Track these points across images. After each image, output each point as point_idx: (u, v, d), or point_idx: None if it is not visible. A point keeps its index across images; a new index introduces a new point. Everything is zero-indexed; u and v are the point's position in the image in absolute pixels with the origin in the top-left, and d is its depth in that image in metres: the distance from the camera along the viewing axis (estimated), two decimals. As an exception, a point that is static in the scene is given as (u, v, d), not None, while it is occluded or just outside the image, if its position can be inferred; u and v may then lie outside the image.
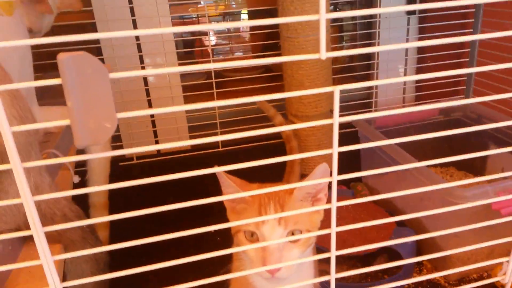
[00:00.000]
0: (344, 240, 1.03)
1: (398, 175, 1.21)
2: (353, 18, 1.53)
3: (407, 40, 1.51)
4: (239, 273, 0.50)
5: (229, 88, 1.41)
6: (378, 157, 1.24)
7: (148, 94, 1.41)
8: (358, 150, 1.37)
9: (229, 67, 0.33)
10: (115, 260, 0.71)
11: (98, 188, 0.40)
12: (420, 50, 1.51)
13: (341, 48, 1.84)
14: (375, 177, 1.34)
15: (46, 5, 0.86)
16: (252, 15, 1.90)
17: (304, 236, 0.59)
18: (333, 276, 0.49)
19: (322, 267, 0.96)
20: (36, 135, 0.62)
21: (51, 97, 1.03)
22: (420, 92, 1.55)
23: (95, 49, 1.39)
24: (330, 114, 1.31)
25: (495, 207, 0.93)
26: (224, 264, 0.69)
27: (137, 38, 1.34)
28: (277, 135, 1.24)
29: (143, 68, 1.39)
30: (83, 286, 0.63)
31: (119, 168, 1.32)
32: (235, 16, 2.02)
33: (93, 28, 1.36)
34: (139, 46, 1.36)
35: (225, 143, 1.42)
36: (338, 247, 0.99)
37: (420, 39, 1.52)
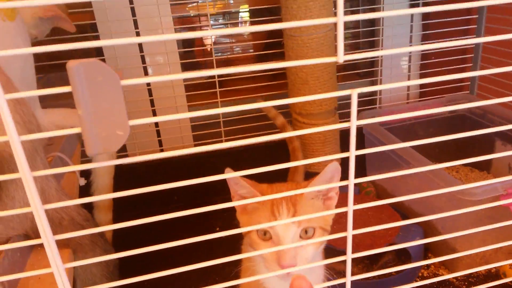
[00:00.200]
0: (356, 242, 1.03)
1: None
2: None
3: (411, 37, 1.50)
4: (255, 277, 0.49)
5: (232, 87, 1.40)
6: (383, 154, 1.24)
7: (150, 94, 1.40)
8: (362, 146, 1.36)
9: (235, 72, 0.32)
10: (123, 260, 0.71)
11: (105, 196, 0.39)
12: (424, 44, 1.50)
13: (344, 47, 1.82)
14: (380, 173, 1.33)
15: (70, 23, 0.88)
16: (253, 13, 1.88)
17: (320, 239, 0.59)
18: (348, 278, 0.48)
19: (330, 264, 0.96)
20: (41, 140, 0.62)
21: (54, 99, 1.02)
22: (425, 89, 1.55)
23: (95, 49, 1.38)
24: (334, 112, 1.30)
25: (504, 204, 0.92)
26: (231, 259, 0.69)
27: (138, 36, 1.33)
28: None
29: (144, 68, 1.38)
30: (94, 282, 0.63)
31: (123, 167, 1.32)
32: (235, 14, 2.01)
33: (93, 29, 1.35)
34: (140, 45, 1.35)
35: (228, 141, 1.41)
36: (342, 244, 0.98)
37: (423, 36, 1.51)
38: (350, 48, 1.75)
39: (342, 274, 0.61)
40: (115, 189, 0.97)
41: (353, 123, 0.42)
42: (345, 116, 1.38)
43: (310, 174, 0.63)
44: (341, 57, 0.38)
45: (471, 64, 1.46)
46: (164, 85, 1.40)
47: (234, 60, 1.81)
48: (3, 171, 0.49)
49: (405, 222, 0.53)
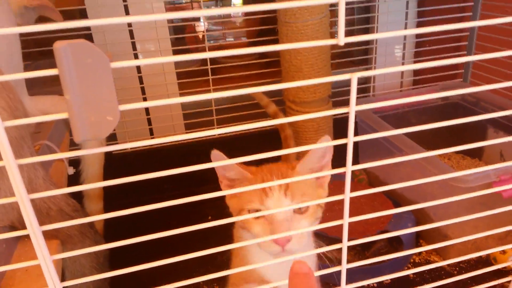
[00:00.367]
0: (348, 229, 1.03)
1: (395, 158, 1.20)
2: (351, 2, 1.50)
3: (406, 24, 1.48)
4: (248, 267, 0.47)
5: (224, 75, 1.38)
6: (376, 141, 1.23)
7: (141, 81, 1.37)
8: (356, 134, 1.35)
9: (231, 54, 0.31)
10: (114, 250, 0.70)
11: (95, 185, 0.38)
12: (419, 33, 1.49)
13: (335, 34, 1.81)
14: (373, 160, 1.33)
15: (57, 13, 0.85)
16: (246, 1, 1.85)
17: (310, 203, 0.57)
18: (344, 266, 0.48)
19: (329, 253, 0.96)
20: (28, 127, 0.60)
21: (41, 86, 1.00)
22: (418, 76, 1.54)
23: (84, 36, 1.35)
24: (328, 100, 1.29)
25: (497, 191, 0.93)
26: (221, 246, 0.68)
27: (129, 24, 1.30)
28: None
29: (135, 55, 1.35)
30: (84, 274, 0.62)
31: (114, 156, 1.30)
32: (228, 1, 1.97)
33: (82, 15, 1.31)
34: (131, 32, 1.32)
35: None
36: (338, 231, 0.98)
37: (419, 23, 1.49)
38: (345, 35, 1.73)
39: (332, 261, 0.61)
40: (105, 178, 0.96)
41: (352, 108, 0.41)
42: (337, 105, 1.37)
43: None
44: (342, 39, 0.37)
45: (465, 52, 1.45)
46: (155, 73, 1.37)
47: (227, 48, 1.78)
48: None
49: (398, 210, 0.52)
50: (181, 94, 1.44)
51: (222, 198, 0.68)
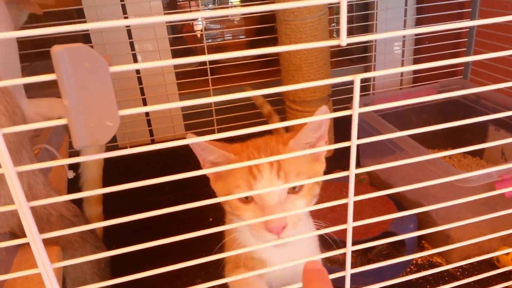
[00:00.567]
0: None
1: (397, 159, 1.19)
2: (349, -2, 1.49)
3: (405, 21, 1.48)
4: (242, 250, 0.44)
5: (224, 74, 1.37)
6: (376, 140, 1.22)
7: (140, 82, 1.36)
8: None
9: (228, 57, 0.30)
10: (115, 255, 0.69)
11: (95, 192, 0.37)
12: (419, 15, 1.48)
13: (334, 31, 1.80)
14: (374, 161, 1.33)
15: (35, 5, 0.82)
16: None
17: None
18: (348, 271, 0.47)
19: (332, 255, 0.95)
20: (27, 132, 0.59)
21: (39, 88, 0.99)
22: (418, 74, 1.53)
23: (82, 36, 1.34)
24: (328, 99, 1.28)
25: (499, 190, 0.92)
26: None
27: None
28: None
29: (133, 55, 1.34)
30: (85, 280, 0.62)
31: (113, 158, 1.29)
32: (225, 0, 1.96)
33: (79, 15, 1.30)
34: (129, 31, 1.31)
35: (220, 129, 1.39)
36: (340, 232, 0.96)
37: (418, 20, 1.48)
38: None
39: (336, 242, 0.59)
40: (105, 181, 0.95)
41: (356, 111, 0.40)
42: (337, 103, 1.36)
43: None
44: (344, 40, 0.36)
45: (465, 49, 1.44)
46: (154, 73, 1.36)
47: (225, 47, 1.77)
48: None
49: (402, 214, 0.51)
50: (181, 95, 1.43)
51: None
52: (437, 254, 1.10)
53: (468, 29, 1.42)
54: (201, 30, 1.75)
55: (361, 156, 1.36)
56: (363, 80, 1.54)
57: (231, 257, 0.64)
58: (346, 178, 1.30)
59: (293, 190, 0.54)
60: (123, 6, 1.28)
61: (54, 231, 0.36)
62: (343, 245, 0.67)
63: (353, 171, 0.41)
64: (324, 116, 0.41)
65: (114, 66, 0.32)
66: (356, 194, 1.07)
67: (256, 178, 0.52)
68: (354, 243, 1.22)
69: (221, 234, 0.66)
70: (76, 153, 1.00)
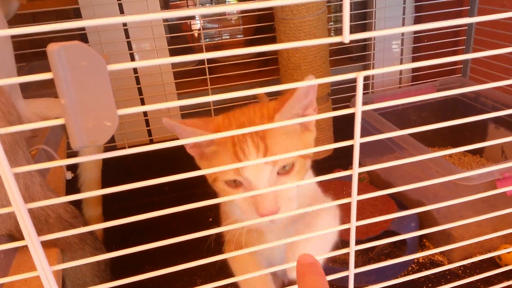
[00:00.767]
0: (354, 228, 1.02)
1: (397, 157, 1.19)
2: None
3: (403, 19, 1.47)
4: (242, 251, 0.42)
5: (222, 73, 1.37)
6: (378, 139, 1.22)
7: (138, 82, 1.35)
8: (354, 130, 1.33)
9: (228, 55, 0.29)
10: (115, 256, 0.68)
11: (94, 193, 0.36)
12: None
13: (335, 31, 1.79)
14: (374, 159, 1.32)
15: None
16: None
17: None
18: (352, 271, 0.46)
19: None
20: (23, 132, 0.58)
21: (36, 88, 0.98)
22: (417, 72, 1.53)
23: (79, 35, 1.33)
24: (327, 98, 1.27)
25: (500, 188, 0.92)
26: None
27: (124, 23, 1.28)
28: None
29: (131, 54, 1.33)
30: (85, 282, 0.61)
31: (112, 159, 1.28)
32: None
33: (76, 14, 1.29)
34: (126, 31, 1.30)
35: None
36: (341, 233, 0.95)
37: (416, 18, 1.48)
38: (341, 32, 1.71)
39: (333, 260, 0.57)
40: (104, 181, 0.94)
41: (359, 109, 0.39)
42: (336, 102, 1.36)
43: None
44: (347, 37, 0.35)
45: (463, 47, 1.44)
46: (152, 73, 1.36)
47: (223, 46, 1.76)
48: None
49: (403, 213, 0.50)
50: (179, 94, 1.42)
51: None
52: (438, 252, 1.09)
53: (466, 28, 1.42)
54: (199, 29, 1.74)
55: (361, 155, 1.35)
56: (362, 67, 1.53)
57: (231, 237, 0.62)
58: (346, 177, 1.29)
59: (283, 170, 0.50)
60: (120, 6, 1.27)
61: (52, 233, 0.35)
62: (344, 244, 0.65)
63: (356, 170, 0.41)
64: (310, 82, 0.37)
65: (112, 65, 0.32)
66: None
67: (241, 161, 0.48)
68: (356, 242, 1.22)
69: (221, 235, 0.65)
70: (74, 154, 0.99)
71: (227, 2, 2.01)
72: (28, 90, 0.91)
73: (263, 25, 1.37)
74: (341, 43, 1.67)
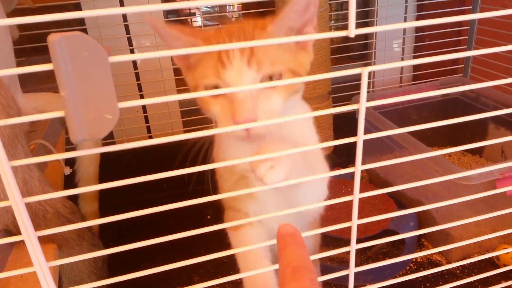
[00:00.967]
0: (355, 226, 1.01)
1: (397, 156, 1.19)
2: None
3: (405, 18, 1.47)
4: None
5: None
6: (376, 137, 1.22)
7: (138, 78, 1.35)
8: (355, 129, 1.33)
9: (234, 47, 0.28)
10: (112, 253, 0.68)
11: (92, 187, 0.36)
12: (418, 28, 1.47)
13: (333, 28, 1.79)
14: (374, 158, 1.32)
15: None
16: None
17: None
18: (352, 270, 0.46)
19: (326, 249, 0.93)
20: (22, 126, 0.57)
21: (36, 83, 0.97)
22: (418, 71, 1.52)
23: (79, 30, 1.32)
24: (328, 96, 1.27)
25: (500, 188, 0.92)
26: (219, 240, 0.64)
27: (124, 19, 1.27)
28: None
29: (131, 50, 1.32)
30: (81, 279, 0.60)
31: (110, 154, 1.27)
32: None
33: (76, 10, 1.29)
34: (127, 27, 1.29)
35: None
36: (339, 232, 0.95)
37: (418, 16, 1.48)
38: (342, 30, 1.71)
39: (331, 258, 0.56)
40: (102, 177, 0.93)
41: (363, 105, 0.39)
42: (337, 101, 1.35)
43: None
44: (352, 31, 0.35)
45: (465, 47, 1.44)
46: (152, 69, 1.35)
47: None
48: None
49: (402, 212, 0.50)
50: (179, 91, 1.42)
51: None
52: (436, 252, 1.09)
53: (468, 27, 1.41)
54: (200, 27, 1.73)
55: (360, 154, 1.35)
56: (363, 66, 1.53)
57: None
58: (345, 175, 1.28)
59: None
60: (121, 1, 1.27)
61: (50, 228, 0.34)
62: (343, 242, 0.65)
63: (359, 168, 0.40)
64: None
65: (114, 56, 0.31)
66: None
67: (225, 66, 0.45)
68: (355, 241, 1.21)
69: (218, 232, 0.65)
70: (73, 150, 0.99)
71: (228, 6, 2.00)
72: (28, 85, 0.91)
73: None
74: (342, 41, 1.67)
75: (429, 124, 0.44)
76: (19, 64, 0.90)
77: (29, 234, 0.33)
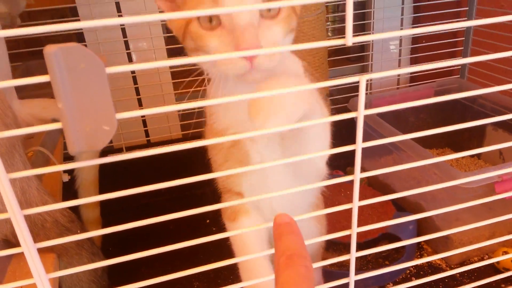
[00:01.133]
0: (345, 228, 1.01)
1: (395, 158, 1.19)
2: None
3: (402, 20, 1.47)
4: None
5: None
6: (374, 139, 1.21)
7: (135, 82, 1.34)
8: (353, 130, 1.33)
9: (242, 55, 0.28)
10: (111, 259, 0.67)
11: (91, 199, 0.36)
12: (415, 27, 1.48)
13: (333, 31, 1.79)
14: (372, 161, 1.32)
15: None
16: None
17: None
18: (352, 278, 0.46)
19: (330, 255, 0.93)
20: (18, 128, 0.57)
21: (32, 88, 0.97)
22: (415, 73, 1.52)
23: (75, 34, 1.32)
24: (325, 98, 1.27)
25: (498, 191, 0.92)
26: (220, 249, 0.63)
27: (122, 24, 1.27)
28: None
29: (128, 54, 1.32)
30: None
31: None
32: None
33: (73, 13, 1.28)
34: (123, 30, 1.29)
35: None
36: (340, 236, 0.93)
37: (414, 18, 1.48)
38: (339, 32, 1.71)
39: (335, 265, 0.55)
40: (101, 181, 0.93)
41: (361, 113, 0.39)
42: (334, 103, 1.35)
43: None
44: (350, 39, 0.35)
45: (462, 48, 1.44)
46: (149, 73, 1.34)
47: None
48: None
49: (403, 220, 0.50)
50: (176, 94, 1.41)
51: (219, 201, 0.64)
52: (437, 258, 1.09)
53: (465, 28, 1.41)
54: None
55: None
56: (360, 68, 1.53)
57: (222, 180, 0.59)
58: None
59: (268, 14, 0.45)
60: (118, 4, 1.26)
61: (49, 237, 0.34)
62: (342, 246, 0.64)
63: (357, 176, 0.40)
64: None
65: (110, 67, 0.31)
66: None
67: None
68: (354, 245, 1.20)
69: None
70: (71, 156, 0.98)
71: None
72: (24, 91, 0.90)
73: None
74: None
75: (431, 131, 0.44)
76: (14, 68, 0.90)
77: (28, 247, 0.33)
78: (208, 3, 0.44)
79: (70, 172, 0.82)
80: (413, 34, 1.49)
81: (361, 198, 1.26)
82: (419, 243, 1.12)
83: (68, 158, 0.90)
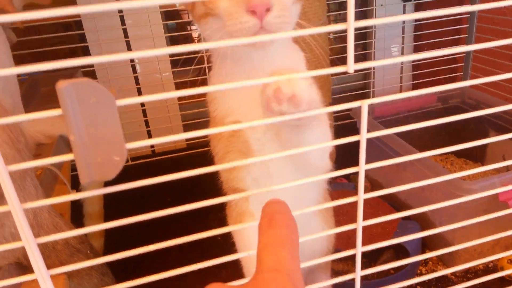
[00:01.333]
0: (349, 236, 1.01)
1: (399, 166, 1.19)
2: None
3: (403, 27, 1.48)
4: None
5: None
6: (377, 148, 1.22)
7: (137, 82, 1.36)
8: (356, 141, 1.33)
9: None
10: (113, 264, 0.66)
11: (99, 227, 0.36)
12: (417, 25, 1.48)
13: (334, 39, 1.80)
14: (375, 168, 1.32)
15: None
16: None
17: None
18: (358, 273, 0.46)
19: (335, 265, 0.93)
20: (29, 152, 0.58)
21: (38, 103, 0.98)
22: (417, 71, 1.53)
23: (77, 35, 1.33)
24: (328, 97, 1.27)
25: (502, 199, 0.92)
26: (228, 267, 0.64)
27: (122, 22, 1.28)
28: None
29: (127, 42, 1.33)
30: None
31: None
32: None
33: (76, 21, 1.30)
34: (125, 31, 1.30)
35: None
36: (343, 244, 0.94)
37: (416, 26, 1.49)
38: (341, 40, 1.72)
39: (339, 273, 0.55)
40: (106, 196, 0.94)
41: (363, 136, 0.40)
42: (336, 102, 1.36)
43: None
44: (351, 67, 0.36)
45: (464, 45, 1.45)
46: (152, 74, 1.36)
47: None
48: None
49: (402, 214, 0.50)
50: (180, 105, 1.43)
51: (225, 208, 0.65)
52: (440, 263, 1.09)
53: (468, 25, 1.41)
54: (198, 37, 1.74)
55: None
56: (362, 78, 1.54)
57: (224, 175, 0.58)
58: (348, 186, 1.26)
59: None
60: (122, 19, 1.28)
61: (59, 258, 0.35)
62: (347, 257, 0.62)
63: (361, 197, 0.41)
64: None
65: (120, 100, 0.32)
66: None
67: None
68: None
69: (223, 237, 0.64)
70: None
71: None
72: (31, 105, 0.92)
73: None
74: (341, 42, 1.67)
75: (439, 150, 0.45)
76: (21, 83, 0.91)
77: (42, 274, 0.34)
78: None
79: (76, 186, 0.82)
80: (415, 31, 1.50)
81: (365, 205, 1.27)
82: (423, 251, 1.13)
83: (74, 169, 0.91)
